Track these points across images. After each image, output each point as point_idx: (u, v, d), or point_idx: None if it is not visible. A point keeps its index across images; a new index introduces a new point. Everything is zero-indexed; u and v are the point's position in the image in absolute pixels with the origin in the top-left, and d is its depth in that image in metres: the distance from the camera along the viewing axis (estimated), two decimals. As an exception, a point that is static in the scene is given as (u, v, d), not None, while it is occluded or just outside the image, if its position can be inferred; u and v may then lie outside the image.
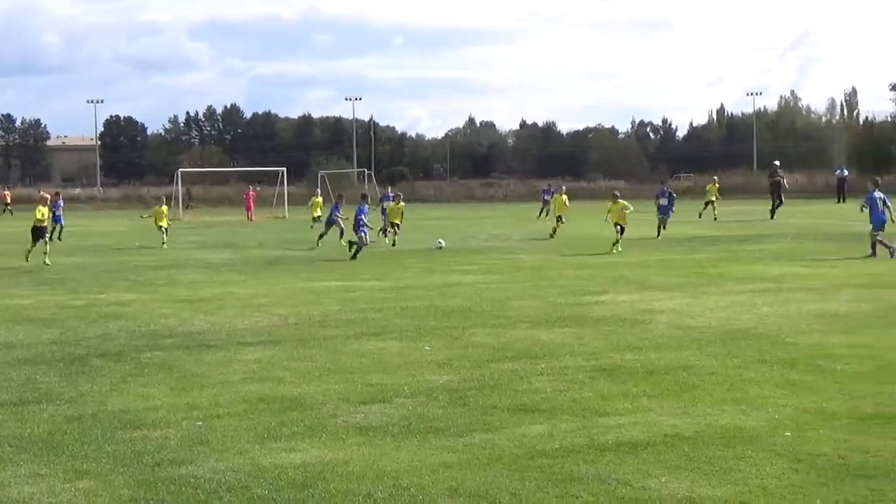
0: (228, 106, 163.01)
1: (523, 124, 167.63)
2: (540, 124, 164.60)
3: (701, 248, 30.98)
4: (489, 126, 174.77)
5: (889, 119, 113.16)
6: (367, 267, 26.56)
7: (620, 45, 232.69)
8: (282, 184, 73.09)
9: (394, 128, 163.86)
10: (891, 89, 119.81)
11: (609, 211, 31.82)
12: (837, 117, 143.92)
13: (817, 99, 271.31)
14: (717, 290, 19.70)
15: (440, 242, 32.62)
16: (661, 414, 9.79)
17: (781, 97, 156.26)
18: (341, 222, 34.80)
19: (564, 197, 39.96)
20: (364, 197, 32.27)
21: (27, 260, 28.57)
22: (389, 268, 26.27)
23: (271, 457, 8.52)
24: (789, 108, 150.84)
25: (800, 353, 12.91)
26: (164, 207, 37.91)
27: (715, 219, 46.05)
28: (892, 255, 25.48)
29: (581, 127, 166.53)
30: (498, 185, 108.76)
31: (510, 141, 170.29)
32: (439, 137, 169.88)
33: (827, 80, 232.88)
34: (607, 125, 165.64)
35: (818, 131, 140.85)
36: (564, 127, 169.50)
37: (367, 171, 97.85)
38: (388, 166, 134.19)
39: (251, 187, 68.75)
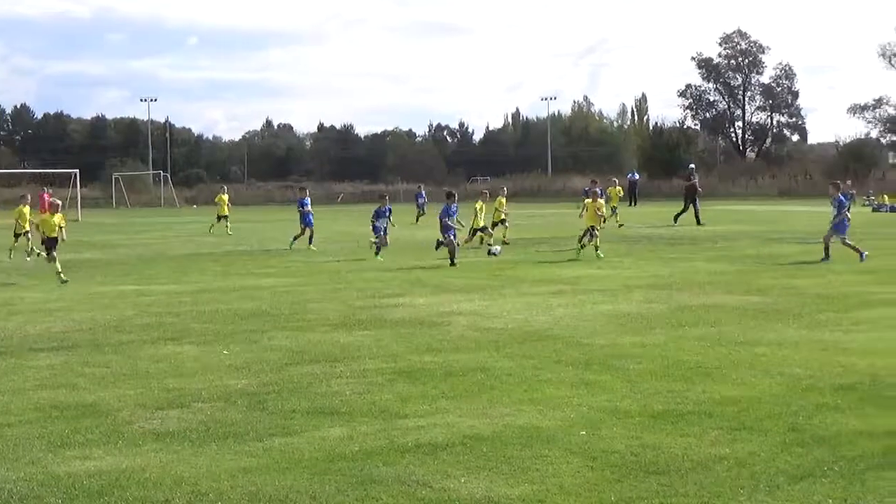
0: (18, 106, 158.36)
1: (321, 127, 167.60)
2: (338, 127, 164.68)
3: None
4: (287, 128, 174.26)
5: (677, 124, 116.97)
6: (165, 270, 26.12)
7: (420, 49, 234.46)
8: (75, 186, 71.36)
9: (190, 129, 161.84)
10: (679, 95, 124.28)
11: (585, 209, 30.30)
12: (628, 122, 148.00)
13: (609, 104, 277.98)
14: (514, 292, 20.00)
15: (497, 248, 30.29)
16: (459, 415, 9.87)
17: (575, 102, 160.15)
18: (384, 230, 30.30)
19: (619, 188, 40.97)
20: (450, 196, 29.18)
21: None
22: (187, 271, 25.89)
23: (65, 465, 8.28)
24: (582, 113, 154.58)
25: (594, 353, 13.19)
26: None
27: (620, 225, 43.54)
28: (861, 258, 25.28)
29: (379, 130, 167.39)
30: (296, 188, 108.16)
31: (308, 143, 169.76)
32: (236, 140, 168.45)
33: (618, 86, 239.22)
34: (405, 128, 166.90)
35: (610, 136, 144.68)
36: (362, 130, 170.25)
37: (162, 174, 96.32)
38: (184, 168, 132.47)
39: (46, 189, 66.76)
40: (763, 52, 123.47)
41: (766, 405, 10.06)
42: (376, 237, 29.77)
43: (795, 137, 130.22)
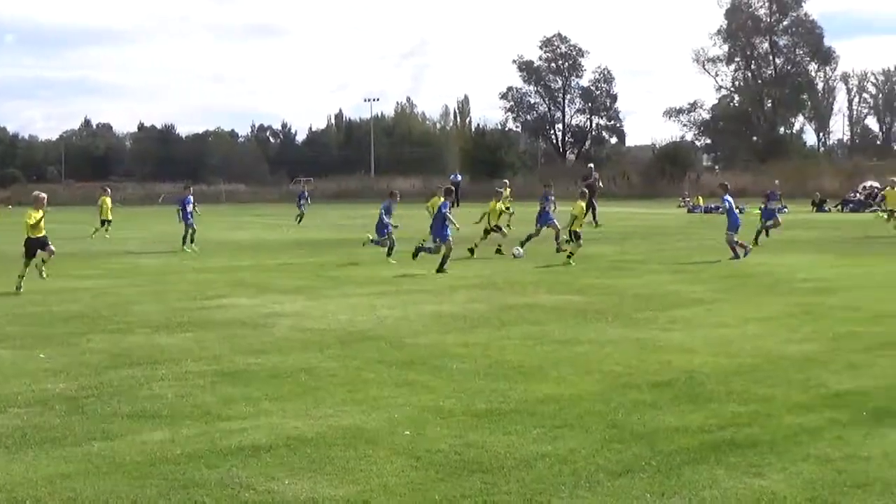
0: None
1: (142, 126, 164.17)
2: (159, 127, 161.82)
3: (322, 252, 31.29)
4: (106, 128, 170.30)
5: (499, 126, 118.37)
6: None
7: (243, 50, 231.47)
8: None
9: (5, 128, 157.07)
10: (500, 98, 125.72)
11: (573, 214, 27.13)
12: (451, 124, 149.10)
13: (432, 106, 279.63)
14: (337, 293, 19.97)
15: (519, 251, 28.52)
16: (283, 416, 9.82)
17: (398, 104, 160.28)
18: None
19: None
20: (449, 193, 28.74)
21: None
22: (3, 273, 25.12)
23: None
24: (405, 115, 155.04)
25: (417, 353, 13.26)
26: None
27: (508, 226, 42.15)
28: (745, 254, 26.44)
29: (201, 130, 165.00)
30: (116, 189, 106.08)
31: (128, 143, 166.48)
32: (53, 139, 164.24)
33: (441, 88, 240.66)
34: (227, 129, 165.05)
35: (433, 137, 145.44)
36: (184, 130, 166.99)
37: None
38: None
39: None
40: (582, 56, 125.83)
41: (587, 402, 10.26)
42: (380, 238, 28.32)
43: (614, 140, 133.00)
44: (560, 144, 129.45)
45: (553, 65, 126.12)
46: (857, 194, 61.71)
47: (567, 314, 16.74)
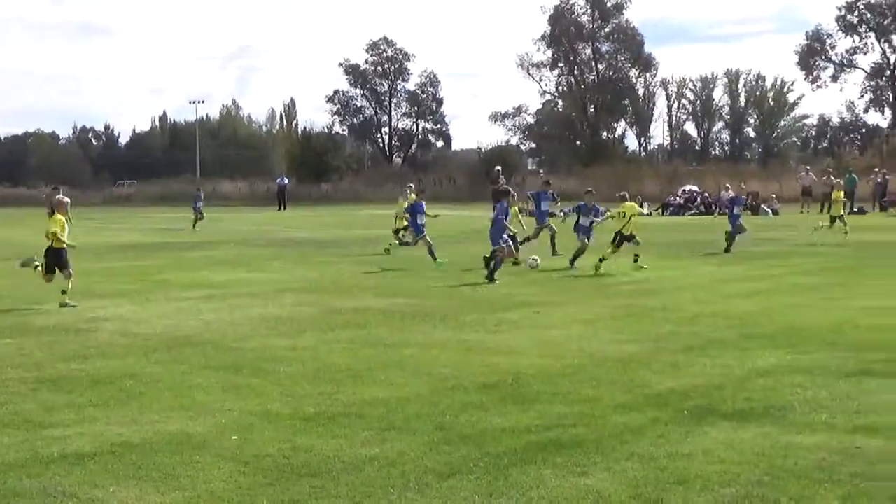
0: None
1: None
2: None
3: (147, 255, 30.79)
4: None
5: (326, 129, 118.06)
6: None
7: (65, 49, 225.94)
8: None
9: None
10: (327, 101, 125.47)
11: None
12: (277, 127, 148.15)
13: (258, 109, 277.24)
14: (163, 297, 19.67)
15: (535, 260, 25.25)
16: (107, 423, 9.64)
17: (224, 106, 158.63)
18: None
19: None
20: (507, 193, 27.18)
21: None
22: None
23: None
24: (231, 117, 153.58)
25: (244, 357, 13.15)
26: None
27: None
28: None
29: (20, 132, 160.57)
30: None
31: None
32: None
33: (267, 90, 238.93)
34: (48, 130, 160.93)
35: (259, 140, 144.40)
36: (1, 131, 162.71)
37: None
38: None
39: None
40: (409, 60, 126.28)
41: (415, 405, 10.32)
42: (418, 236, 27.05)
43: (440, 143, 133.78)
44: (387, 148, 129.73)
45: (379, 68, 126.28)
46: (677, 198, 63.20)
47: (395, 317, 16.80)
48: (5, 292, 20.56)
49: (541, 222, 30.17)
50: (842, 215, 36.69)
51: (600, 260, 23.94)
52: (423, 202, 27.34)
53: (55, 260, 18.73)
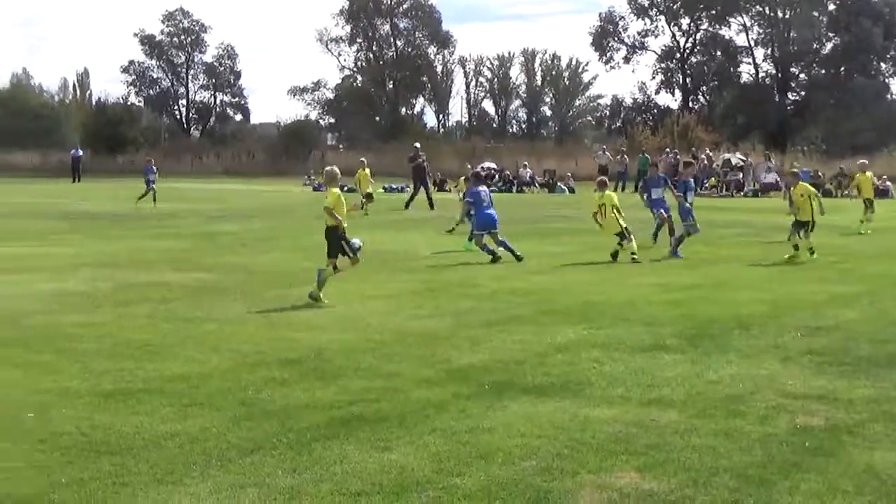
0: None
1: None
2: None
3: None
4: None
5: (121, 100, 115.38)
6: None
7: None
8: None
9: None
10: (122, 72, 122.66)
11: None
12: (70, 97, 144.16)
13: (51, 78, 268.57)
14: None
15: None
16: None
17: (14, 75, 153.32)
18: None
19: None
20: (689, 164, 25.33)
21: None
22: None
23: None
24: (22, 87, 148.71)
25: (38, 333, 12.82)
26: None
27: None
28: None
29: None
30: None
31: None
32: None
33: (59, 59, 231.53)
34: None
35: (51, 110, 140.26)
36: None
37: None
38: None
39: None
40: (205, 32, 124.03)
41: (217, 381, 10.25)
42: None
43: (239, 117, 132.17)
44: (184, 121, 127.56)
45: (175, 39, 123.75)
46: (477, 175, 63.84)
47: (194, 292, 16.59)
48: None
49: (658, 210, 24.97)
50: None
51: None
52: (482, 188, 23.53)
53: (339, 242, 16.70)
